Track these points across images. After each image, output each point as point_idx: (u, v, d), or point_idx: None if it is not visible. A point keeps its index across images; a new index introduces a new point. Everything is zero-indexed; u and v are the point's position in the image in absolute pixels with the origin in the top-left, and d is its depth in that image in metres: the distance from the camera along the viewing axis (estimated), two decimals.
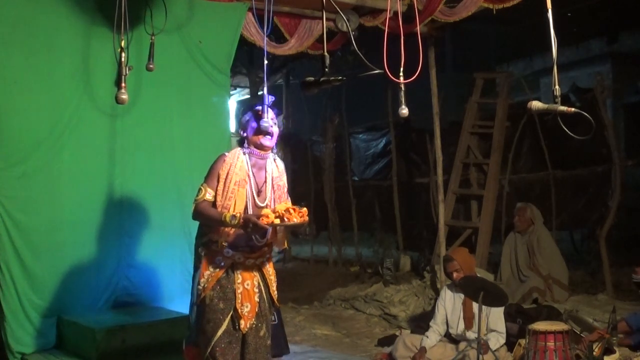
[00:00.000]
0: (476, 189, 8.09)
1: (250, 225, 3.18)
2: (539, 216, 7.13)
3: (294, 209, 3.19)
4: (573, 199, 8.27)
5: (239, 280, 3.38)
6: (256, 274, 3.46)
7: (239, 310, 3.36)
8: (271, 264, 3.58)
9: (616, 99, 14.08)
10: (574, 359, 4.37)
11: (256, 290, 3.43)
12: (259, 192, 3.42)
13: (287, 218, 3.16)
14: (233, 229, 3.30)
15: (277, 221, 3.16)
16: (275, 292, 3.56)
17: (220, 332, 3.34)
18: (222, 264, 3.37)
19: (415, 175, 10.03)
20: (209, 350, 3.35)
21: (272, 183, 3.48)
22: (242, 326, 3.37)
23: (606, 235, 7.21)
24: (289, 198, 3.58)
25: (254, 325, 3.41)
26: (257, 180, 3.43)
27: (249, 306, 3.39)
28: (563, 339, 4.28)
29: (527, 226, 7.06)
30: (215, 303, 3.36)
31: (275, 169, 3.52)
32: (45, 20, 4.74)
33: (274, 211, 3.19)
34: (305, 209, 3.25)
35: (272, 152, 3.50)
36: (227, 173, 3.36)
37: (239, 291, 3.37)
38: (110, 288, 5.05)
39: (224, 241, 3.35)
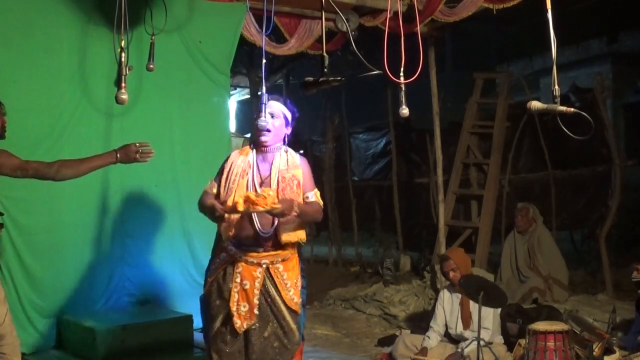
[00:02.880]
0: (476, 189, 8.08)
1: (215, 212, 3.26)
2: (539, 216, 7.14)
3: (263, 197, 3.14)
4: (573, 199, 8.27)
5: (237, 280, 3.36)
6: (260, 275, 3.38)
7: (232, 309, 3.34)
8: (288, 266, 3.47)
9: (616, 99, 14.09)
10: (574, 359, 4.37)
11: (256, 291, 3.35)
12: (261, 184, 3.42)
13: (251, 205, 3.12)
14: (234, 223, 3.33)
15: (241, 208, 3.14)
16: (292, 297, 3.43)
17: (215, 328, 3.42)
18: (225, 261, 3.42)
19: (415, 175, 10.01)
20: (208, 344, 3.49)
21: (278, 175, 3.46)
22: (237, 325, 3.34)
23: (606, 235, 7.20)
24: (315, 189, 3.52)
25: (255, 326, 3.38)
26: (261, 173, 3.45)
27: (247, 306, 3.35)
28: (563, 339, 4.28)
29: (529, 226, 7.06)
30: (213, 299, 3.43)
31: (285, 162, 3.49)
32: (44, 21, 4.74)
33: (245, 198, 3.17)
34: (270, 193, 3.18)
35: (283, 144, 3.53)
36: (231, 166, 3.47)
37: (235, 290, 3.35)
38: (110, 288, 5.06)
39: (226, 235, 3.35)
